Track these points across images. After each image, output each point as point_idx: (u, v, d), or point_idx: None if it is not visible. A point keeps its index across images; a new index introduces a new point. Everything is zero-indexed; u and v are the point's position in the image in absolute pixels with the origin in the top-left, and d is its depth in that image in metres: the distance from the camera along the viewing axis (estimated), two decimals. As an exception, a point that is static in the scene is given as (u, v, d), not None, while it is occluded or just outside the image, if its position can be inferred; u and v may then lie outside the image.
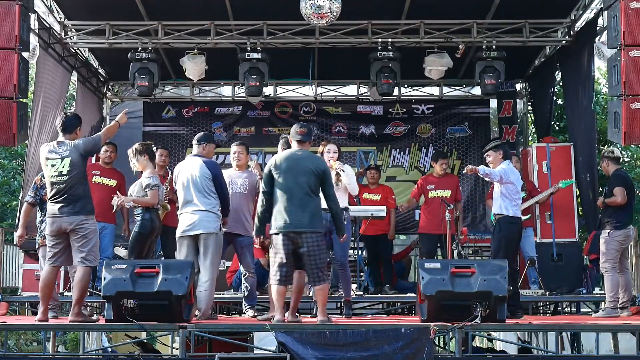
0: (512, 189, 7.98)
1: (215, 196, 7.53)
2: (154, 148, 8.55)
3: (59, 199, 6.87)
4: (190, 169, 7.58)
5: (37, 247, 7.97)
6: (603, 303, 8.68)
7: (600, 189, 9.18)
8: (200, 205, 7.45)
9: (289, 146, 7.40)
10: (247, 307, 8.15)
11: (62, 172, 6.87)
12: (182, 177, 7.59)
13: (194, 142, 7.79)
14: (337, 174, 7.95)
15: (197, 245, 7.49)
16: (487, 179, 8.30)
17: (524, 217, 8.70)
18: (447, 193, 9.90)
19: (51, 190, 6.94)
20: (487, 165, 8.20)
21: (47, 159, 6.96)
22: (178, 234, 7.57)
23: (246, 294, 8.09)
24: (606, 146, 14.90)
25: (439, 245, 9.88)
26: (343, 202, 7.96)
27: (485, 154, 8.20)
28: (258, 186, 7.90)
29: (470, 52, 11.60)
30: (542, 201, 10.39)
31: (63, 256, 7.01)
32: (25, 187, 10.12)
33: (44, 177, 7.52)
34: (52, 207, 6.91)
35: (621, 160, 8.88)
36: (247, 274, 8.03)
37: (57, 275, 7.43)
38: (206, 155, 7.71)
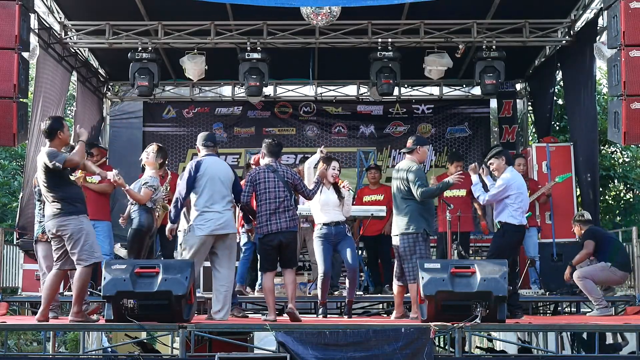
0: (516, 198, 8.03)
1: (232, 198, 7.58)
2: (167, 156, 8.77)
3: (43, 205, 7.09)
4: (219, 168, 7.48)
5: (34, 241, 8.05)
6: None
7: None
8: (227, 206, 7.44)
9: (270, 152, 7.64)
10: (232, 306, 8.03)
11: (39, 176, 7.03)
12: (211, 174, 7.38)
13: (208, 143, 7.59)
14: (339, 191, 8.17)
15: (214, 245, 7.42)
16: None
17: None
18: (462, 192, 9.89)
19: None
20: (491, 173, 8.27)
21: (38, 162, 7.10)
22: (205, 231, 7.30)
23: None
24: (606, 146, 14.93)
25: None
26: (341, 215, 8.23)
27: (488, 162, 8.21)
28: None
29: (470, 52, 11.60)
30: (542, 199, 10.37)
31: (64, 259, 7.02)
32: (25, 187, 10.13)
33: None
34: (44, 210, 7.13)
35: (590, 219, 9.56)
36: None
37: (62, 279, 7.41)
38: None
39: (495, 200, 8.05)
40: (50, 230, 6.91)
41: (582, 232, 9.22)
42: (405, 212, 7.62)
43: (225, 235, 7.39)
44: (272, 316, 7.44)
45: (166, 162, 8.69)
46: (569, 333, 9.73)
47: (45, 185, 6.90)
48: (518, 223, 8.02)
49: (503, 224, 8.07)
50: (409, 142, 7.88)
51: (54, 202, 6.87)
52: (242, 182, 7.78)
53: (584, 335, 9.45)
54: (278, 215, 7.40)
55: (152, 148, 8.22)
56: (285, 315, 7.81)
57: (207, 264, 7.85)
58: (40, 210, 7.81)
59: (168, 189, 8.58)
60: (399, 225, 7.67)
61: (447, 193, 9.89)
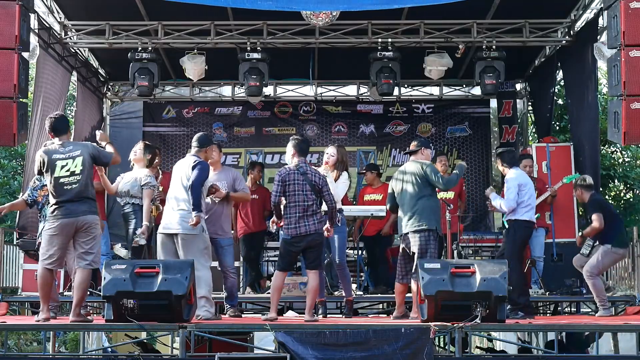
0: (524, 195, 8.21)
1: None
2: (156, 153, 8.79)
3: (74, 199, 6.79)
4: (184, 167, 7.52)
5: (36, 246, 7.98)
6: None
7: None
8: (182, 205, 7.37)
9: (301, 151, 7.54)
10: (228, 307, 8.11)
11: (74, 171, 6.81)
12: (177, 174, 7.55)
13: (195, 143, 7.64)
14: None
15: (175, 245, 7.41)
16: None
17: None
18: (450, 195, 9.88)
19: (61, 191, 6.79)
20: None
21: (56, 159, 6.82)
22: (159, 229, 7.53)
23: (226, 294, 8.10)
24: (606, 146, 14.93)
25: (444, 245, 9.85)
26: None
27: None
28: (236, 184, 8.07)
29: (470, 52, 11.60)
30: (548, 200, 10.35)
31: (60, 258, 6.98)
32: (25, 187, 10.13)
33: (37, 180, 7.64)
34: (66, 207, 6.78)
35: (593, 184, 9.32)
36: (227, 275, 7.99)
37: (55, 274, 7.41)
38: (206, 158, 7.65)
39: (514, 203, 8.17)
40: (78, 225, 6.78)
41: (585, 197, 9.03)
42: (416, 210, 7.49)
43: (172, 235, 7.38)
44: (273, 314, 7.41)
45: (156, 159, 8.68)
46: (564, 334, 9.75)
47: (85, 180, 6.84)
48: (528, 219, 8.23)
49: (513, 222, 8.23)
50: (413, 144, 7.87)
51: (91, 199, 6.89)
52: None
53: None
54: (306, 218, 7.37)
55: (139, 145, 8.34)
56: (286, 315, 7.81)
57: (215, 263, 7.86)
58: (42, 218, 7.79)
59: (161, 189, 8.61)
60: (408, 223, 7.51)
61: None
